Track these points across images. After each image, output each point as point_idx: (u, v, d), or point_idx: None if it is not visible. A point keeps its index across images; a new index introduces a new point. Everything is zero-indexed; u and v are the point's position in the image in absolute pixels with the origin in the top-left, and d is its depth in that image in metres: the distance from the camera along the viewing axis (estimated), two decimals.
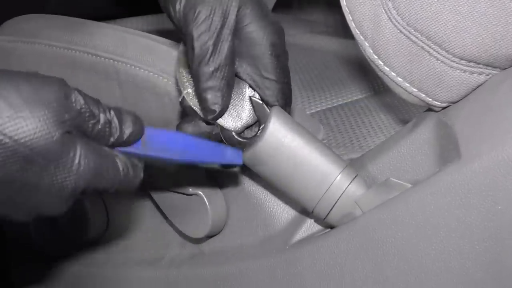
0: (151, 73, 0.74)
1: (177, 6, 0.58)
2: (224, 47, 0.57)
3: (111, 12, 1.21)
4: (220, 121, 0.60)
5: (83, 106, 0.47)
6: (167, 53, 0.76)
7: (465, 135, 0.52)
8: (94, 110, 0.48)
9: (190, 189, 0.70)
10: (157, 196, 0.74)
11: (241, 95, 0.60)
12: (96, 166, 0.48)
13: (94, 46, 0.77)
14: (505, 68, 0.53)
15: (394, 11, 0.53)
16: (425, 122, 0.59)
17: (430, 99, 0.56)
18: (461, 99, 0.55)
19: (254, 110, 0.60)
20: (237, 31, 0.58)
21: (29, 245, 0.99)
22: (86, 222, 0.86)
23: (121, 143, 0.50)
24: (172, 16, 0.59)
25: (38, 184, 0.46)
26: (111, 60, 0.76)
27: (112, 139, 0.49)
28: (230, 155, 0.59)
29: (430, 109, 0.59)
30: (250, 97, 0.60)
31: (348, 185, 0.59)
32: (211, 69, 0.57)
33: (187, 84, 0.61)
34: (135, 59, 0.75)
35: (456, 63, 0.53)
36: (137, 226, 0.84)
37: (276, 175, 0.59)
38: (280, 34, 0.60)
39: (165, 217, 0.76)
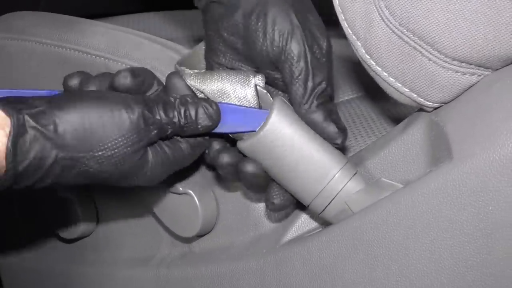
0: None
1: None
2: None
3: (104, 9, 1.21)
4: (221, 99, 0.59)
5: (164, 119, 0.55)
6: (159, 50, 0.75)
7: (456, 135, 0.52)
8: (171, 117, 0.56)
9: (181, 188, 0.70)
10: (147, 195, 0.74)
11: (247, 81, 0.59)
12: (166, 165, 0.58)
13: (86, 44, 0.76)
14: (497, 69, 0.53)
15: (387, 11, 0.53)
16: (417, 123, 0.59)
17: (422, 100, 0.56)
18: (453, 100, 0.55)
19: (258, 99, 0.59)
20: None
21: (18, 241, 0.98)
22: (75, 219, 0.85)
23: (196, 134, 0.58)
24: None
25: (120, 182, 0.56)
26: (102, 58, 0.75)
27: (188, 132, 0.57)
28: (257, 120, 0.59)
29: (421, 109, 0.58)
30: (256, 85, 0.59)
31: (347, 182, 0.58)
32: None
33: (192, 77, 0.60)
34: (126, 57, 0.74)
35: (448, 63, 0.52)
36: (127, 225, 0.83)
37: (276, 166, 0.59)
38: None
39: (155, 216, 0.76)
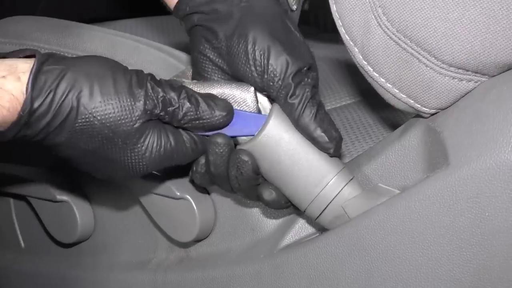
0: None
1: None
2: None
3: (103, 14, 1.21)
4: None
5: (162, 95, 0.55)
6: (156, 55, 0.75)
7: (453, 142, 0.52)
8: (174, 98, 0.55)
9: (178, 193, 0.70)
10: (145, 199, 0.74)
11: (246, 87, 0.59)
12: (166, 152, 0.57)
13: (84, 49, 0.76)
14: (494, 75, 0.53)
15: (384, 17, 0.53)
16: (414, 129, 0.59)
17: (419, 106, 0.56)
18: (450, 106, 0.55)
19: (258, 103, 0.60)
20: None
21: (14, 245, 0.98)
22: (73, 224, 0.85)
23: (211, 127, 0.57)
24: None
25: (114, 159, 0.56)
26: None
27: (198, 124, 0.57)
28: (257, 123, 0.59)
29: (418, 115, 0.59)
30: (255, 90, 0.59)
31: (343, 187, 0.59)
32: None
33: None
34: (124, 62, 0.74)
35: (445, 70, 0.53)
36: (124, 229, 0.83)
37: (273, 170, 0.59)
38: None
39: (153, 221, 0.76)
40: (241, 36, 0.58)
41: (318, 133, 0.58)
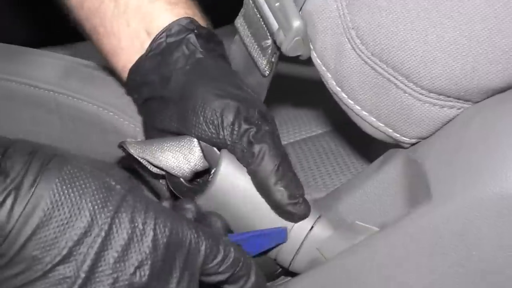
0: (95, 106, 0.73)
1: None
2: None
3: (57, 36, 1.19)
4: (165, 165, 0.58)
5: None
6: (114, 84, 0.75)
7: (435, 173, 0.52)
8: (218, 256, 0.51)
9: None
10: None
11: (188, 141, 0.59)
12: None
13: (33, 77, 0.75)
14: (477, 101, 0.53)
15: (358, 40, 0.53)
16: (393, 160, 0.58)
17: (398, 135, 0.56)
18: (432, 135, 0.55)
19: (204, 155, 0.59)
20: None
21: None
22: None
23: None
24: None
25: None
26: (51, 92, 0.74)
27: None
28: (276, 236, 0.58)
29: (398, 145, 0.58)
30: (198, 140, 0.59)
31: (312, 227, 0.58)
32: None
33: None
34: (77, 91, 0.73)
35: (425, 96, 0.52)
36: None
37: (234, 219, 0.58)
38: None
39: None
40: (189, 98, 0.59)
41: (277, 188, 0.56)
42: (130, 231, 0.46)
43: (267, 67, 0.62)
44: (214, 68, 0.62)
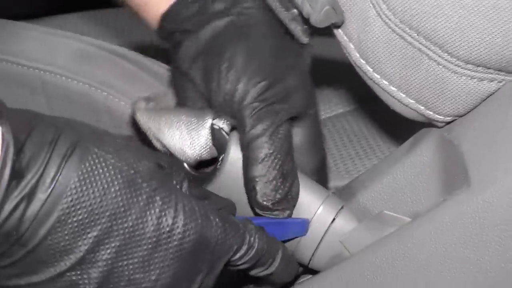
0: (87, 86, 0.74)
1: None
2: None
3: (40, 8, 1.20)
4: (168, 143, 0.59)
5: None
6: (107, 60, 0.75)
7: (474, 157, 0.52)
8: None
9: None
10: None
11: (201, 121, 0.60)
12: None
13: (16, 53, 0.76)
14: None
15: (384, 6, 0.53)
16: (425, 141, 0.59)
17: (431, 113, 0.56)
18: (469, 112, 0.55)
19: (213, 139, 0.59)
20: None
21: None
22: None
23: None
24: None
25: None
26: (37, 70, 0.75)
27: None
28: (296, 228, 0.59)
29: (431, 124, 0.59)
30: (212, 123, 0.59)
31: (334, 219, 0.58)
32: None
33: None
34: (67, 68, 0.74)
35: (461, 67, 0.53)
36: None
37: (244, 209, 0.59)
38: None
39: None
40: (219, 54, 0.59)
41: (253, 177, 0.57)
42: (154, 239, 0.47)
43: (304, 33, 0.62)
44: (262, 24, 0.61)
